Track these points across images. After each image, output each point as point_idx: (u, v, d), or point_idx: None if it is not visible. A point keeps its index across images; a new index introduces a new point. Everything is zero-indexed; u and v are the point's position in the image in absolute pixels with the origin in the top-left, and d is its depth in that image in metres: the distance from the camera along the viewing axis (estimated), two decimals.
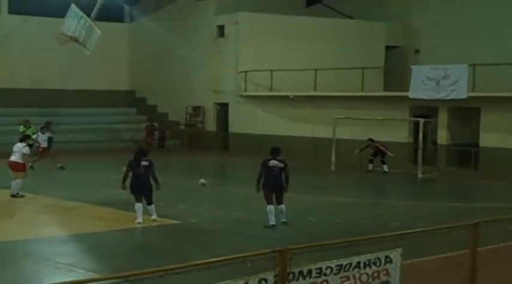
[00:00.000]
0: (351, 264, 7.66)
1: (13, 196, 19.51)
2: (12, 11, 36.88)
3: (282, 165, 15.80)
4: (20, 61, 36.39)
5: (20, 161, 19.81)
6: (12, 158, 19.96)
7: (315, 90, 31.89)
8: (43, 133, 26.53)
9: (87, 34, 26.46)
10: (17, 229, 15.67)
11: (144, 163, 16.05)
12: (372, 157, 27.97)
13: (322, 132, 30.46)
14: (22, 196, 19.58)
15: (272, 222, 15.78)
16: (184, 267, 6.88)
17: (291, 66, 32.15)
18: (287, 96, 32.56)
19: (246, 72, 34.30)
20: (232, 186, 23.27)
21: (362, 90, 30.43)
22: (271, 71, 33.06)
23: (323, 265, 7.49)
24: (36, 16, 36.50)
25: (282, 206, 16.04)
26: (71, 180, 23.81)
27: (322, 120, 30.63)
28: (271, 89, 33.70)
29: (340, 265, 7.59)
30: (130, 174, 16.13)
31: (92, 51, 27.37)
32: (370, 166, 27.94)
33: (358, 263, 7.75)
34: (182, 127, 38.26)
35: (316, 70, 31.66)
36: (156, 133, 36.63)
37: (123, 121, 38.71)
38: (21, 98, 36.11)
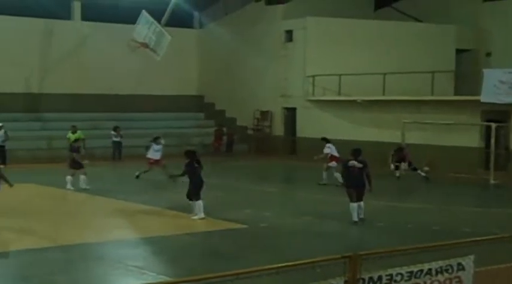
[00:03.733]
0: (422, 271, 7.56)
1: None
2: (84, 18, 37.74)
3: (360, 165, 16.85)
4: (92, 67, 37.16)
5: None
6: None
7: (384, 94, 31.60)
8: (157, 144, 25.55)
9: (158, 40, 26.81)
10: (89, 232, 15.97)
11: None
12: (397, 163, 27.05)
13: (390, 136, 30.10)
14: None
15: (355, 219, 16.79)
16: (254, 271, 6.90)
17: (359, 70, 31.93)
18: (355, 101, 32.37)
19: (313, 76, 34.24)
20: (300, 190, 23.21)
21: (432, 94, 30.00)
22: (339, 75, 32.89)
23: (394, 271, 7.41)
24: (108, 23, 37.26)
25: (361, 203, 16.98)
26: (142, 184, 24.16)
27: (390, 124, 30.31)
28: (339, 93, 33.54)
29: (411, 272, 7.49)
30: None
31: (162, 57, 27.72)
32: (398, 173, 26.80)
33: (430, 270, 7.64)
34: (250, 131, 38.42)
35: (385, 74, 31.37)
36: (224, 137, 36.90)
37: (191, 126, 39.11)
38: (92, 103, 36.91)
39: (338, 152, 23.93)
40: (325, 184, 23.71)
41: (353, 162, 16.87)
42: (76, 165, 22.35)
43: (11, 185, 16.80)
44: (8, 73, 34.79)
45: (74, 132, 30.35)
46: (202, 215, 17.07)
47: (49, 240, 14.64)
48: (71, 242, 14.50)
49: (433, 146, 27.73)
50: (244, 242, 15.06)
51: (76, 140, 29.79)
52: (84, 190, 21.83)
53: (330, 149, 24.14)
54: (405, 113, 29.74)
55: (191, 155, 17.60)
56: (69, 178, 22.23)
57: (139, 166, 26.47)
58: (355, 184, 16.88)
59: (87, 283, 11.66)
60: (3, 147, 29.55)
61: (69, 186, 22.11)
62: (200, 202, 17.15)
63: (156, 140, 25.53)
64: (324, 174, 24.01)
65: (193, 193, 17.25)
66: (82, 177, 22.30)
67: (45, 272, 12.01)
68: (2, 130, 29.58)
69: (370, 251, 7.53)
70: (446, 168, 27.49)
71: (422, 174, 26.28)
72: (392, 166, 26.74)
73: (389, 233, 16.03)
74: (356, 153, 17.07)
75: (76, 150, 22.89)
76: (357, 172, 16.80)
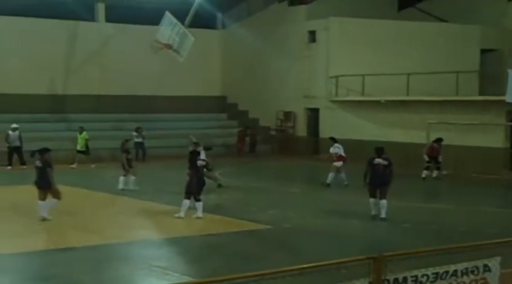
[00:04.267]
0: (447, 272, 7.51)
1: None
2: (108, 19, 37.96)
3: (386, 163, 17.30)
4: (115, 68, 37.36)
5: None
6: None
7: (408, 94, 31.43)
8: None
9: (181, 41, 26.88)
10: (114, 232, 16.05)
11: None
12: (428, 164, 26.76)
13: (414, 137, 29.96)
14: None
15: (374, 212, 17.38)
16: (278, 272, 6.89)
17: (383, 71, 31.79)
18: (378, 101, 32.24)
19: (337, 77, 34.15)
20: (323, 191, 23.15)
21: (456, 95, 29.80)
22: (363, 75, 32.78)
23: (419, 272, 7.37)
24: (131, 24, 37.44)
25: (384, 201, 17.26)
26: (168, 185, 24.20)
27: (415, 124, 30.16)
28: (362, 94, 33.43)
29: (437, 273, 7.44)
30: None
31: (185, 58, 27.79)
32: (424, 173, 26.55)
33: (455, 271, 7.59)
34: (273, 132, 38.41)
35: (409, 74, 31.21)
36: (247, 138, 36.92)
37: (214, 126, 39.17)
38: (116, 104, 37.10)
39: (360, 153, 23.78)
40: (328, 185, 23.46)
41: (378, 160, 17.29)
42: (128, 165, 22.34)
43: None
44: (33, 74, 35.08)
45: (80, 133, 30.60)
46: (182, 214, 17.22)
47: (74, 240, 14.74)
48: (96, 242, 14.57)
49: (457, 146, 27.52)
50: (268, 243, 15.05)
51: (87, 140, 30.26)
52: (132, 191, 21.84)
53: (338, 149, 23.91)
54: (429, 113, 29.57)
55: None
56: (122, 178, 22.31)
57: (162, 166, 26.60)
58: (380, 181, 17.24)
59: (111, 283, 11.71)
60: (19, 147, 29.78)
61: (121, 185, 22.17)
62: (187, 201, 17.28)
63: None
64: (332, 175, 23.69)
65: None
66: (132, 177, 22.35)
67: (70, 272, 12.09)
68: (17, 132, 29.80)
69: (395, 252, 7.49)
70: (470, 169, 27.28)
71: (434, 174, 26.30)
72: (426, 158, 26.51)
73: (414, 234, 15.94)
74: (379, 151, 17.57)
75: (127, 150, 22.91)
76: (382, 169, 17.22)
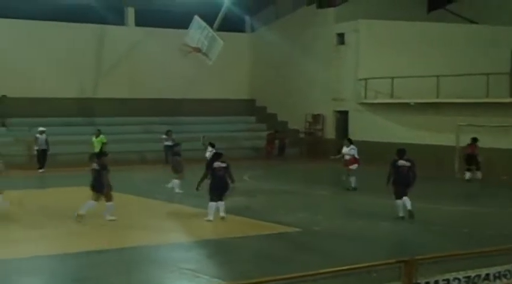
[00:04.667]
0: (479, 276, 7.46)
1: None
2: (138, 23, 38.22)
3: (409, 164, 17.78)
4: (145, 72, 37.61)
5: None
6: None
7: (437, 96, 31.21)
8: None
9: (210, 44, 26.96)
10: (143, 235, 16.13)
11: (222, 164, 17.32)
12: (468, 166, 26.74)
13: (444, 139, 29.75)
14: None
15: (401, 214, 17.57)
16: (307, 275, 6.89)
17: (412, 73, 31.61)
18: (408, 103, 32.06)
19: (366, 79, 34.04)
20: (352, 193, 23.06)
21: (487, 96, 29.53)
22: (392, 78, 32.62)
23: (450, 276, 7.33)
24: (160, 28, 37.65)
25: (405, 198, 17.69)
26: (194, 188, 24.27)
27: (444, 127, 29.94)
28: (391, 96, 33.26)
29: (468, 277, 7.40)
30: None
31: (213, 61, 27.88)
32: (468, 175, 26.63)
33: (487, 275, 7.53)
34: (301, 135, 38.37)
35: (438, 76, 30.99)
36: (276, 141, 36.92)
37: (243, 129, 39.23)
38: (144, 107, 37.33)
39: (389, 155, 23.60)
40: (355, 189, 23.23)
41: (403, 162, 17.75)
42: (178, 168, 22.27)
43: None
44: (62, 78, 35.45)
45: (97, 136, 30.74)
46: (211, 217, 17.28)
47: (105, 242, 14.84)
48: (126, 245, 14.67)
49: (488, 149, 27.23)
50: (298, 245, 15.03)
51: (104, 144, 30.29)
52: (177, 194, 21.88)
53: (354, 150, 23.67)
54: (459, 116, 29.34)
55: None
56: (176, 181, 22.25)
57: (191, 169, 26.57)
58: (404, 182, 17.71)
59: None
60: (45, 151, 30.13)
61: (177, 190, 22.02)
62: (212, 204, 17.35)
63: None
64: (353, 178, 23.38)
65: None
66: (176, 181, 22.21)
67: (101, 274, 12.17)
68: (44, 135, 30.12)
69: (426, 256, 7.45)
70: (501, 171, 27.01)
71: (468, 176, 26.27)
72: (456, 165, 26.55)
73: (445, 237, 15.81)
74: (402, 152, 18.03)
75: (178, 153, 22.90)
76: (406, 171, 17.72)
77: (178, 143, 24.39)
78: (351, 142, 24.36)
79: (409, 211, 17.57)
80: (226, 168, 17.29)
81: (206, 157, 21.78)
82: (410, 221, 17.28)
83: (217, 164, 17.36)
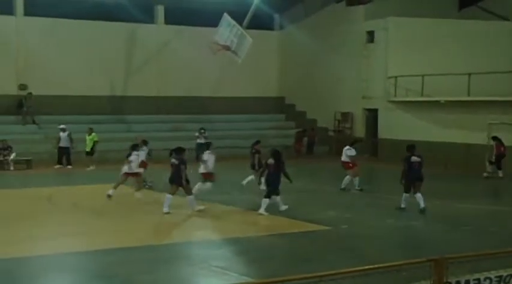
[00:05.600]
0: (511, 276, 7.37)
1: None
2: (168, 21, 38.40)
3: (419, 160, 18.49)
4: (174, 70, 37.77)
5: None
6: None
7: (469, 94, 30.93)
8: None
9: (239, 42, 26.92)
10: (173, 232, 16.22)
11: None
12: (492, 161, 26.94)
13: (475, 138, 29.50)
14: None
15: (403, 206, 18.51)
16: (337, 274, 6.88)
17: (442, 71, 31.36)
18: (438, 101, 31.82)
19: (395, 77, 33.84)
20: (381, 192, 22.95)
21: None
22: (422, 75, 32.40)
23: (481, 275, 7.27)
24: (190, 26, 37.78)
25: (419, 194, 18.34)
26: (225, 185, 24.33)
27: (475, 125, 29.68)
28: (421, 94, 33.03)
29: (500, 276, 7.33)
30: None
31: (243, 59, 27.87)
32: (490, 168, 26.95)
33: None
34: (331, 133, 38.26)
35: (469, 74, 30.70)
36: (305, 139, 36.84)
37: (272, 127, 39.24)
38: (174, 106, 37.49)
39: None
40: (361, 189, 22.86)
41: (415, 158, 18.45)
42: (259, 166, 22.14)
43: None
44: (93, 76, 35.75)
45: (89, 134, 30.84)
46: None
47: (134, 240, 14.94)
48: (156, 242, 14.76)
49: None
50: (327, 244, 15.00)
51: (96, 142, 30.44)
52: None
53: (350, 151, 23.11)
54: (490, 114, 29.06)
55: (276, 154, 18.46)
56: (250, 177, 22.64)
57: (221, 167, 26.64)
58: (416, 177, 18.40)
59: (171, 282, 11.83)
60: (67, 148, 30.39)
61: (262, 186, 21.52)
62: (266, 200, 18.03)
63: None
64: (356, 179, 22.94)
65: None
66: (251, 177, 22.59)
67: (130, 271, 12.24)
68: (66, 133, 30.37)
69: (456, 255, 7.39)
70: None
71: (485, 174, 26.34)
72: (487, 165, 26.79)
73: (475, 236, 15.67)
74: (413, 148, 18.77)
75: (259, 151, 23.10)
76: (418, 166, 18.41)
77: (259, 140, 24.44)
78: (353, 142, 24.06)
79: (421, 209, 18.12)
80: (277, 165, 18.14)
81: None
82: (438, 220, 17.13)
83: (270, 161, 18.28)
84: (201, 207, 18.27)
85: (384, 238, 15.67)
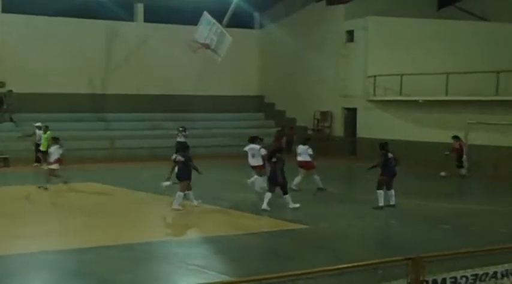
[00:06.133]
0: (487, 274, 7.43)
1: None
2: (147, 19, 38.24)
3: (394, 157, 19.10)
4: (153, 68, 37.63)
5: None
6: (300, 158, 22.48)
7: (447, 94, 31.10)
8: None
9: (219, 41, 26.88)
10: (151, 231, 16.15)
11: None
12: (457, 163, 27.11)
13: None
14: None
15: (381, 204, 18.70)
16: (315, 272, 6.88)
17: (421, 70, 31.51)
18: (416, 101, 31.97)
19: (375, 76, 33.96)
20: (360, 191, 23.02)
21: (496, 94, 29.41)
22: (401, 75, 32.54)
23: (458, 274, 7.30)
24: (169, 24, 37.67)
25: (392, 191, 18.98)
26: (204, 184, 24.29)
27: (454, 125, 29.81)
28: (400, 94, 33.17)
29: (476, 275, 7.37)
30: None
31: (222, 58, 27.85)
32: (463, 171, 26.97)
33: (495, 273, 7.50)
34: (310, 132, 38.29)
35: (448, 74, 30.89)
36: (284, 138, 36.85)
37: (251, 126, 39.16)
38: (153, 104, 37.35)
39: (397, 153, 23.51)
40: (323, 189, 22.57)
41: (391, 154, 19.05)
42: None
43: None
44: (72, 74, 35.50)
45: (45, 132, 30.42)
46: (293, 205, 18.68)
47: (112, 238, 14.87)
48: (134, 241, 14.68)
49: (497, 147, 27.17)
50: (305, 242, 15.02)
51: (55, 139, 30.09)
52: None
53: (311, 150, 22.72)
54: (469, 113, 29.22)
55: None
56: (259, 178, 22.13)
57: (199, 166, 26.53)
58: (393, 173, 18.97)
59: (149, 281, 11.78)
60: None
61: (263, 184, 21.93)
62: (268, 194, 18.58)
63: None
64: (316, 178, 22.63)
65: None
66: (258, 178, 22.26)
67: (107, 270, 12.19)
68: (42, 130, 29.91)
69: (433, 254, 7.43)
70: (511, 169, 26.91)
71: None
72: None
73: (454, 236, 15.76)
74: (387, 145, 19.39)
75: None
76: (393, 163, 19.02)
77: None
78: (306, 140, 23.72)
79: (392, 205, 18.82)
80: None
81: None
82: (417, 219, 17.20)
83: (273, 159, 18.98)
84: (180, 208, 18.31)
85: (363, 236, 15.72)
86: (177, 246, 14.41)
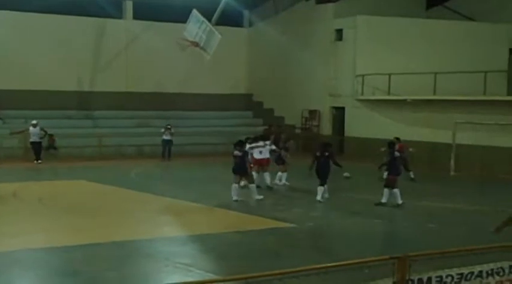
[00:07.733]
0: (472, 273, 7.46)
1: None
2: (136, 16, 38.16)
3: (401, 156, 19.83)
4: (142, 65, 37.55)
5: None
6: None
7: (434, 93, 31.21)
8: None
9: (208, 39, 26.90)
10: (139, 229, 16.12)
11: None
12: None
13: (441, 136, 29.74)
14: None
15: (384, 201, 19.04)
16: (301, 271, 6.88)
17: (410, 70, 31.62)
18: (405, 100, 32.05)
19: (363, 75, 34.02)
20: (347, 190, 23.05)
21: (484, 94, 29.53)
22: (389, 74, 32.61)
23: (443, 273, 7.33)
24: (158, 21, 37.60)
25: (397, 190, 19.09)
26: (191, 182, 24.30)
27: (441, 124, 29.92)
28: (388, 93, 33.26)
29: (461, 274, 7.40)
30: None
31: (211, 56, 27.84)
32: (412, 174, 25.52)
33: (481, 272, 7.53)
34: (298, 130, 38.35)
35: (436, 73, 30.98)
36: (271, 136, 36.80)
37: (239, 124, 39.19)
38: (143, 101, 37.29)
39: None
40: (271, 187, 22.61)
41: (397, 153, 19.48)
42: (280, 162, 23.62)
43: None
44: (61, 71, 35.36)
45: (43, 136, 30.54)
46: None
47: (100, 236, 14.82)
48: (121, 239, 14.64)
49: (485, 147, 27.27)
50: (292, 241, 15.02)
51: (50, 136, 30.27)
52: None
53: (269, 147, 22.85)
54: (456, 113, 29.32)
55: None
56: (280, 174, 23.53)
57: (188, 164, 26.63)
58: (398, 172, 19.44)
59: (135, 279, 11.77)
60: (39, 143, 30.10)
61: (283, 181, 23.42)
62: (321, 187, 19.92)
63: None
64: (266, 174, 22.62)
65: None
66: (279, 174, 23.53)
67: (94, 268, 12.15)
68: (38, 128, 30.05)
69: (419, 253, 7.45)
70: (498, 169, 27.03)
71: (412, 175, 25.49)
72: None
73: (440, 235, 15.81)
74: (394, 145, 19.89)
75: (287, 148, 24.19)
76: (399, 161, 19.62)
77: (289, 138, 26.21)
78: (262, 137, 23.80)
79: (398, 205, 18.91)
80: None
81: None
82: (406, 218, 17.28)
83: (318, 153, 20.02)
84: (261, 197, 19.78)
85: (349, 235, 15.73)
86: (164, 244, 14.37)
